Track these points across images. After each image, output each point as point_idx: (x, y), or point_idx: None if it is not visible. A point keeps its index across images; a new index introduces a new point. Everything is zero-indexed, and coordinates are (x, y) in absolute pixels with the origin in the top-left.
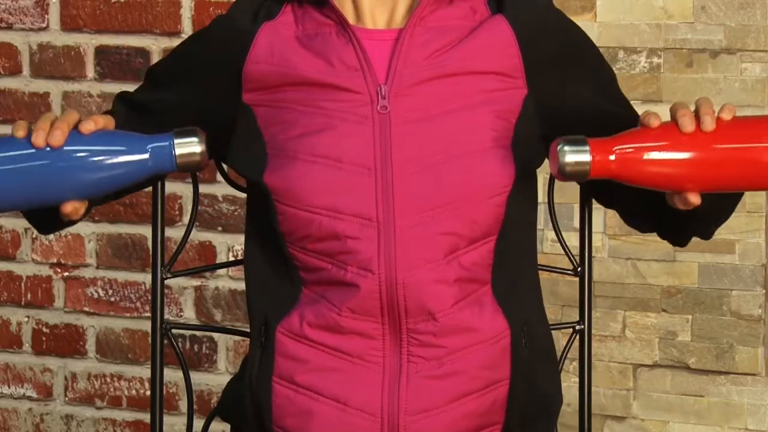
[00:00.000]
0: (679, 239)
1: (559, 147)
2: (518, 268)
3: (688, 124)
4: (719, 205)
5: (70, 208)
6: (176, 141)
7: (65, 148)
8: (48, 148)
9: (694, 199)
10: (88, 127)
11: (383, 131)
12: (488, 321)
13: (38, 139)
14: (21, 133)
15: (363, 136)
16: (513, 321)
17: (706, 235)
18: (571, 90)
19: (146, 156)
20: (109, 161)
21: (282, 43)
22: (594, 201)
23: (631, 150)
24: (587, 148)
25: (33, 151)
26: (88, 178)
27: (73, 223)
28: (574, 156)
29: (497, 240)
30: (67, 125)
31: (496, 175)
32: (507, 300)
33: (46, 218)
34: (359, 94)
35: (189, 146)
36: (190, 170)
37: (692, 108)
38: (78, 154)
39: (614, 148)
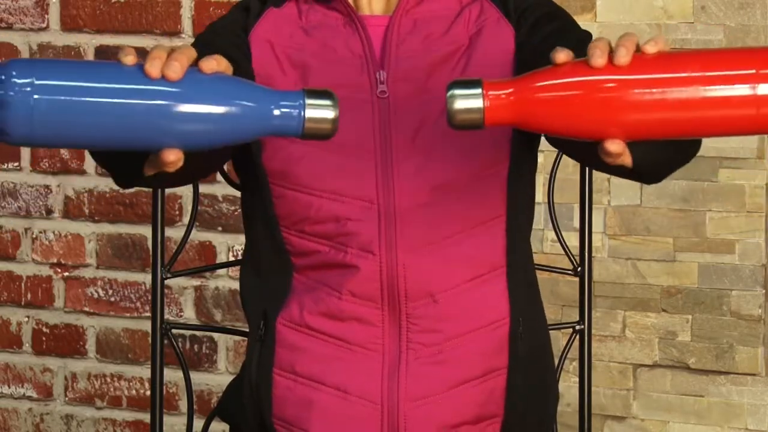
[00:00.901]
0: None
1: (447, 92)
2: (524, 257)
3: (597, 56)
4: (661, 156)
5: (173, 156)
6: (308, 101)
7: (182, 84)
8: (162, 81)
9: (613, 147)
10: (210, 65)
11: (383, 116)
12: (490, 305)
13: (153, 68)
14: (130, 59)
15: (363, 121)
16: (514, 309)
17: (649, 178)
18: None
19: (275, 112)
20: (231, 109)
21: (284, 29)
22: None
23: (529, 91)
24: (479, 91)
25: (145, 81)
26: (201, 124)
27: (157, 180)
28: (465, 101)
29: (507, 223)
30: (186, 58)
31: (495, 155)
32: (514, 288)
33: (131, 167)
34: (360, 79)
35: (322, 110)
36: (315, 138)
37: None
38: (195, 94)
39: (510, 90)
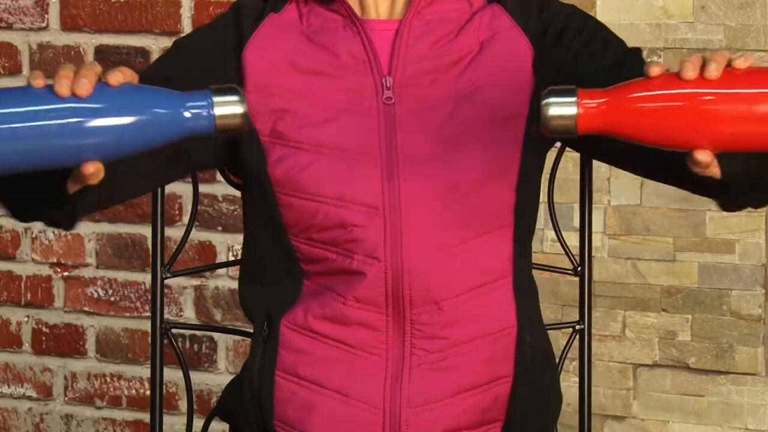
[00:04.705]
0: (727, 201)
1: (543, 99)
2: (528, 264)
3: (689, 70)
4: (752, 169)
5: (92, 168)
6: (215, 99)
7: (92, 99)
8: (72, 99)
9: (702, 157)
10: (116, 77)
11: (388, 122)
12: (496, 314)
13: (62, 87)
14: (39, 82)
15: (368, 128)
16: (521, 317)
17: (755, 201)
18: (578, 61)
19: (185, 114)
20: (142, 117)
21: (286, 35)
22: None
23: (623, 101)
24: (574, 99)
25: (56, 101)
26: (116, 135)
27: (81, 199)
28: (559, 108)
29: (514, 231)
30: (94, 74)
31: (504, 162)
32: (520, 295)
33: (50, 193)
34: (365, 85)
35: (229, 106)
36: (228, 134)
37: None
38: (107, 107)
39: (604, 99)
